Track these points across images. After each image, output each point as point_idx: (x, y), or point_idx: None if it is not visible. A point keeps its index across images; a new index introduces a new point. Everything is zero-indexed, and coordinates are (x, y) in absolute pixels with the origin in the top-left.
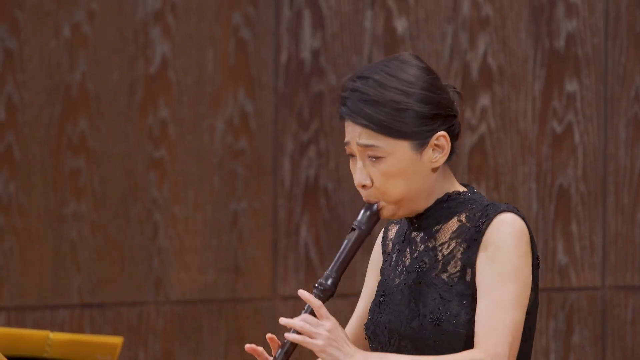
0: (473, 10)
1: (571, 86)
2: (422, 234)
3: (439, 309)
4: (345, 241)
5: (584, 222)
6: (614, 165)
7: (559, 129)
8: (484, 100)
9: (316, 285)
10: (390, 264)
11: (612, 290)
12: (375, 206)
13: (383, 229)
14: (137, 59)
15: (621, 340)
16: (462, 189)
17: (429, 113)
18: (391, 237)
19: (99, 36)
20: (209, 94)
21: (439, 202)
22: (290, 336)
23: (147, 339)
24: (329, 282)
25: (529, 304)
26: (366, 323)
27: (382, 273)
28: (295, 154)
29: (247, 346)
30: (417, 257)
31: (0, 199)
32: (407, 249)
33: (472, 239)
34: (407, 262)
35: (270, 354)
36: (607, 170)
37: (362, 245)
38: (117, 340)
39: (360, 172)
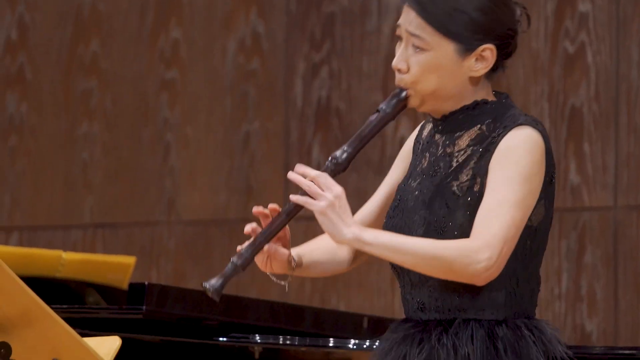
0: None
1: (584, 6)
2: (444, 138)
3: (444, 217)
4: (367, 122)
5: (596, 142)
6: (626, 85)
7: (571, 49)
8: None
9: (330, 158)
10: (414, 166)
11: (625, 210)
12: (404, 93)
13: (420, 126)
14: None
15: (633, 261)
16: (492, 99)
17: (483, 23)
18: (424, 135)
19: None
20: (221, 15)
21: (465, 108)
22: (293, 197)
23: (159, 260)
24: (344, 156)
25: (539, 220)
26: (383, 225)
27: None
28: (307, 75)
29: (255, 209)
30: (434, 160)
31: (12, 119)
32: (427, 152)
33: (486, 150)
34: (425, 165)
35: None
36: (620, 91)
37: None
38: (129, 260)
39: (400, 56)
